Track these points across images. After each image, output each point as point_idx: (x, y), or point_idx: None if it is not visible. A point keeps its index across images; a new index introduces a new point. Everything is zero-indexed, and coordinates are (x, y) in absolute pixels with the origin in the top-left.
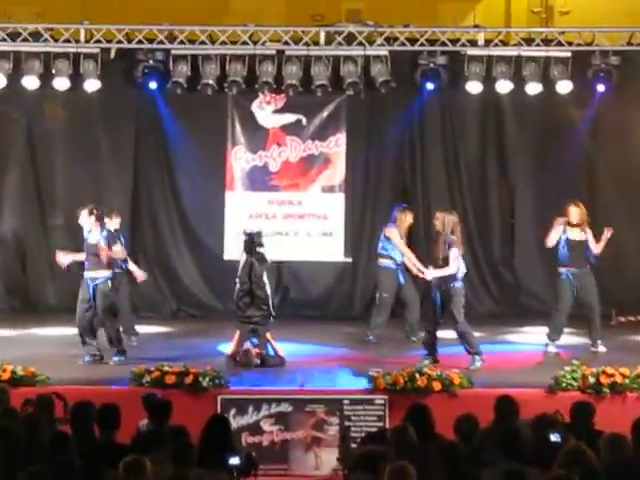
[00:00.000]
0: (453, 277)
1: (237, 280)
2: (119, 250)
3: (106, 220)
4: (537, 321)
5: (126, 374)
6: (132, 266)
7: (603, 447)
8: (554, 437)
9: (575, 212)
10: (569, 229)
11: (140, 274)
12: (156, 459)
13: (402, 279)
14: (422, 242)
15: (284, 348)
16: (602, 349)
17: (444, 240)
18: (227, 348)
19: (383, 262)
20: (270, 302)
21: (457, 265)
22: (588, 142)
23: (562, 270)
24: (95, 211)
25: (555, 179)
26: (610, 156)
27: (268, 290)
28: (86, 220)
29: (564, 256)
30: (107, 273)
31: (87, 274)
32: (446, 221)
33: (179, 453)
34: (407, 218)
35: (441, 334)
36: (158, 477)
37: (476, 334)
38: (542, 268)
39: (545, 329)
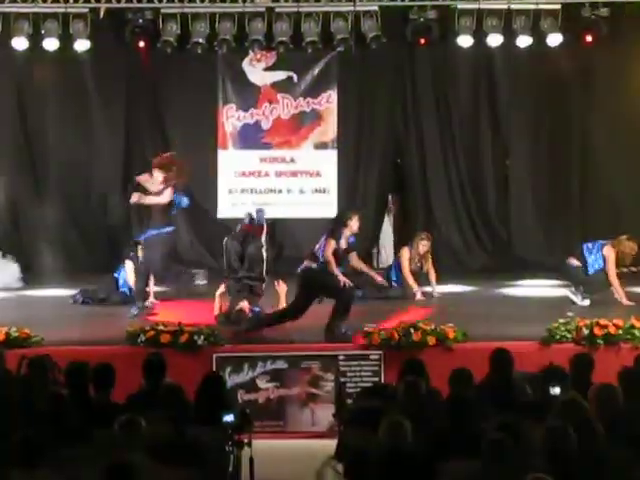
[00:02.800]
0: None
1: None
2: None
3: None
4: (531, 274)
5: (121, 333)
6: None
7: (593, 398)
8: (555, 390)
9: None
10: None
11: None
12: (151, 418)
13: None
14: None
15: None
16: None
17: None
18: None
19: None
20: (264, 265)
21: None
22: (580, 94)
23: None
24: None
25: (548, 132)
26: (602, 108)
27: (264, 253)
28: None
29: None
30: None
31: None
32: None
33: (176, 411)
34: None
35: None
36: (154, 436)
37: (471, 288)
38: (536, 222)
39: (538, 282)
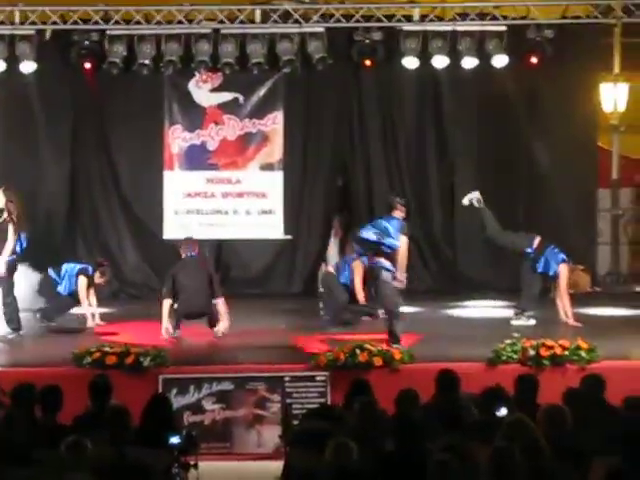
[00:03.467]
0: None
1: None
2: None
3: None
4: (478, 294)
5: (67, 355)
6: None
7: (541, 419)
8: (501, 412)
9: None
10: None
11: None
12: (97, 440)
13: None
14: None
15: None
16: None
17: None
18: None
19: None
20: None
21: None
22: (525, 115)
23: None
24: None
25: (494, 152)
26: (548, 128)
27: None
28: None
29: None
30: None
31: None
32: None
33: (116, 434)
34: None
35: None
36: (99, 457)
37: (417, 309)
38: (482, 244)
39: (484, 302)
